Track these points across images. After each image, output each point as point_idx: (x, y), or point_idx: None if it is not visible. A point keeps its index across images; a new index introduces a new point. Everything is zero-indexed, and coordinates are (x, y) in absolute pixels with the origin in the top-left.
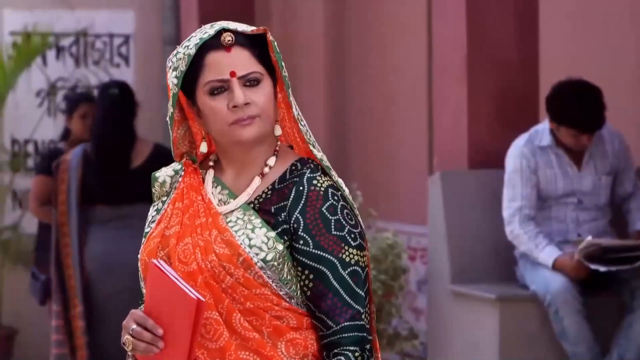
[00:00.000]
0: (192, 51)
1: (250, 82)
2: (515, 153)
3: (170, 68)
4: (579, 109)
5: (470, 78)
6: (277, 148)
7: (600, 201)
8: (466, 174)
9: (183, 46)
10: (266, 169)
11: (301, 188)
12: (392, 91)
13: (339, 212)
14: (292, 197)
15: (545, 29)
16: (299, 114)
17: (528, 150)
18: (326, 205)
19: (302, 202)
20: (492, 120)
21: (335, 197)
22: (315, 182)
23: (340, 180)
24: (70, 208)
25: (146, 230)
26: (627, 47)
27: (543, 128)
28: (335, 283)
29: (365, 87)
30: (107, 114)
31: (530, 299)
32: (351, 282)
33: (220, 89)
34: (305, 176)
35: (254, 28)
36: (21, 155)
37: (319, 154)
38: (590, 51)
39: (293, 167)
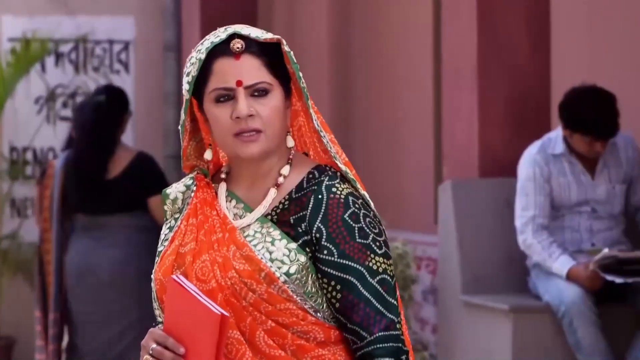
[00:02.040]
0: (203, 56)
1: (257, 92)
2: (528, 161)
3: (184, 73)
4: (593, 116)
5: (481, 85)
6: (291, 156)
7: (614, 210)
8: (477, 182)
9: (196, 50)
10: (281, 179)
11: (320, 196)
12: (397, 97)
13: (361, 220)
14: (311, 206)
15: (557, 35)
16: (319, 125)
17: (541, 158)
18: (348, 212)
19: (322, 210)
20: (504, 128)
21: (357, 205)
22: (334, 189)
23: (366, 194)
24: (53, 215)
25: (159, 249)
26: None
27: (556, 135)
28: (365, 292)
29: (371, 93)
30: (87, 122)
31: (543, 309)
32: (382, 291)
33: (226, 97)
34: (324, 184)
35: (268, 35)
36: (20, 163)
37: (342, 166)
38: (603, 57)
39: (310, 175)
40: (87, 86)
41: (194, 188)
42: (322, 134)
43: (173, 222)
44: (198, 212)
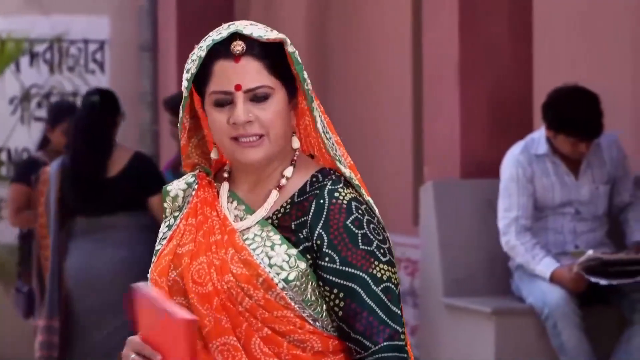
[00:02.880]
0: (203, 53)
1: (257, 96)
2: (511, 161)
3: (185, 69)
4: (576, 116)
5: (463, 85)
6: (295, 158)
7: (597, 211)
8: (459, 183)
9: (198, 46)
10: (283, 181)
11: (322, 201)
12: (375, 98)
13: (365, 226)
14: (312, 211)
15: (539, 35)
16: (324, 127)
17: (524, 158)
18: (351, 218)
19: (324, 216)
20: (486, 128)
21: (360, 211)
22: (337, 194)
23: (370, 200)
24: (50, 220)
25: (157, 247)
26: (624, 52)
27: (539, 136)
28: (369, 300)
29: (348, 94)
30: (83, 122)
31: (527, 312)
32: (386, 300)
33: (225, 101)
34: (326, 188)
35: (272, 35)
36: None
37: (346, 170)
38: (586, 57)
39: (314, 179)
40: (62, 86)
41: (196, 186)
42: (327, 136)
43: (172, 220)
44: (198, 212)
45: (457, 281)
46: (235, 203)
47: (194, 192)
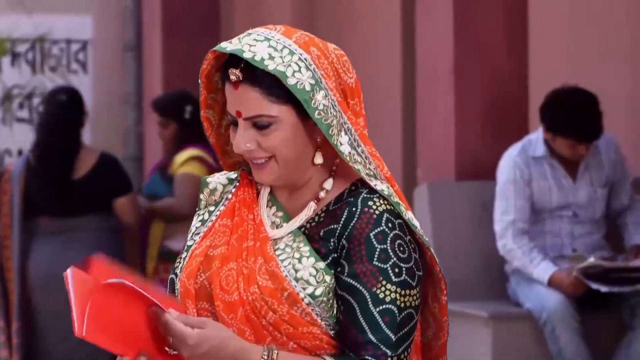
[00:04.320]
0: (209, 57)
1: (258, 125)
2: (509, 163)
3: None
4: (575, 118)
5: (457, 86)
6: (334, 167)
7: (595, 214)
8: (454, 185)
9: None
10: (322, 194)
11: (354, 209)
12: (364, 101)
13: (388, 241)
14: (343, 219)
15: (535, 35)
16: (354, 142)
17: (522, 160)
18: (376, 230)
19: (352, 225)
20: (481, 130)
21: (390, 224)
22: (370, 203)
23: (410, 215)
24: (13, 220)
25: (189, 243)
26: (621, 52)
27: (537, 138)
28: (362, 319)
29: None
30: (51, 121)
31: (524, 317)
32: (381, 322)
33: (234, 122)
34: (361, 196)
35: (272, 64)
36: None
37: (383, 186)
38: (582, 57)
39: (353, 187)
40: (45, 87)
41: (237, 184)
42: (359, 150)
43: (206, 215)
44: (235, 212)
45: (453, 285)
46: (274, 209)
47: (234, 190)
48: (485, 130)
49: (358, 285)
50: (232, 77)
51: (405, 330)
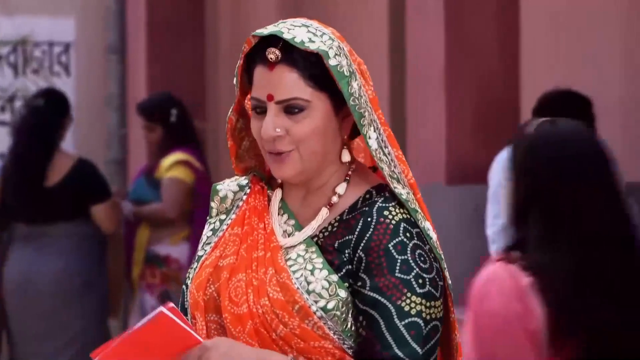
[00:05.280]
0: (246, 48)
1: (290, 109)
2: (500, 167)
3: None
4: None
5: (448, 89)
6: (350, 172)
7: None
8: (445, 189)
9: (251, 35)
10: (334, 198)
11: (369, 219)
12: None
13: (408, 252)
14: (358, 230)
15: (527, 38)
16: (381, 143)
17: None
18: (394, 241)
19: (367, 236)
20: (472, 133)
21: (408, 234)
22: (386, 212)
23: (428, 225)
24: None
25: (199, 253)
26: (613, 55)
27: None
28: (387, 334)
29: None
30: (24, 126)
31: None
32: (407, 335)
33: (261, 109)
34: (376, 206)
35: (314, 44)
36: None
37: (403, 191)
38: (574, 60)
39: (367, 195)
40: (27, 89)
41: (248, 191)
42: (385, 151)
43: (218, 224)
44: (245, 221)
45: None
46: (285, 216)
47: (244, 197)
48: (477, 134)
49: (382, 299)
50: (271, 57)
51: (432, 343)
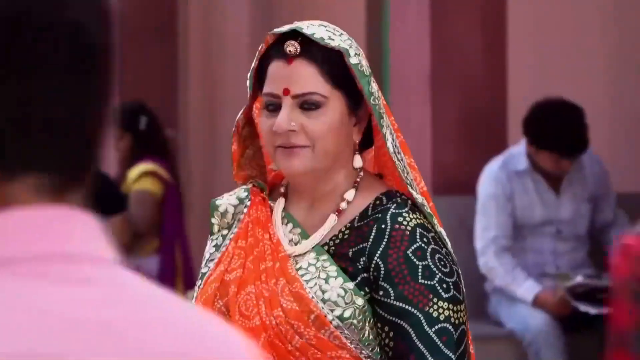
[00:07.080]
0: (263, 48)
1: (307, 104)
2: (490, 178)
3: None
4: (560, 132)
5: (433, 97)
6: (359, 179)
7: (579, 231)
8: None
9: (265, 39)
10: (343, 205)
11: (383, 226)
12: None
13: (428, 257)
14: (372, 237)
15: (514, 47)
16: (395, 147)
17: (503, 175)
18: (413, 247)
19: (384, 243)
20: (457, 143)
21: (425, 239)
22: (400, 219)
23: (442, 232)
24: None
25: (203, 270)
26: (599, 64)
27: (519, 151)
28: (418, 343)
29: None
30: None
31: (506, 337)
32: (439, 342)
33: (274, 105)
34: (389, 212)
35: (334, 42)
36: None
37: (418, 196)
38: (561, 69)
39: (377, 202)
40: None
41: (248, 203)
42: (399, 157)
43: (220, 239)
44: (249, 233)
45: None
46: (290, 226)
47: (245, 210)
48: (462, 144)
49: (409, 308)
50: (290, 49)
51: (463, 348)
